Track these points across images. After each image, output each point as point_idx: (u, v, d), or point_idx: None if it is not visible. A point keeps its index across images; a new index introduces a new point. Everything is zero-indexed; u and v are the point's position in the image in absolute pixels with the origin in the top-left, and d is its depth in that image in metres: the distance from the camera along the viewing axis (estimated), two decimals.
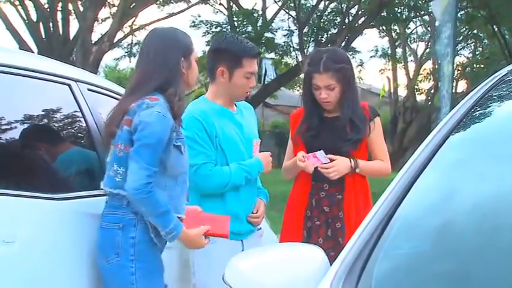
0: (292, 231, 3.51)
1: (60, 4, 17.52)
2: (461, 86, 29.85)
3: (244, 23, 19.99)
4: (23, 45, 16.54)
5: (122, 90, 3.59)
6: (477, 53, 29.50)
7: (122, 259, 2.79)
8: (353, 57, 24.14)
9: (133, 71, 3.00)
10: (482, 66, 27.44)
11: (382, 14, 19.95)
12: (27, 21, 17.63)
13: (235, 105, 3.52)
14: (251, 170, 3.38)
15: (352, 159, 3.41)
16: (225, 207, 3.34)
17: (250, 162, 3.40)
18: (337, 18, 20.98)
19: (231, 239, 3.23)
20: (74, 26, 18.02)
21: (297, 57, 21.64)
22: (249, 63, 3.36)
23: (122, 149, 2.80)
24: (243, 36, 19.36)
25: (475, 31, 25.56)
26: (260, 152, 3.52)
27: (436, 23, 20.39)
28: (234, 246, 3.29)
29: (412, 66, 30.37)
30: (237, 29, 19.85)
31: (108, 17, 19.70)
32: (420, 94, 30.15)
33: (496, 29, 21.56)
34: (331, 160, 3.39)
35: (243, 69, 3.35)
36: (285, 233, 3.56)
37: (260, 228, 3.58)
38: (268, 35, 20.03)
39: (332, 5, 21.22)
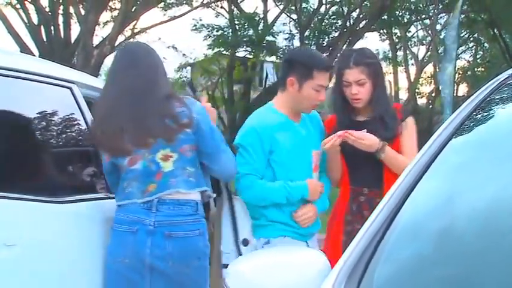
0: (331, 237, 3.51)
1: (61, 7, 17.55)
2: (462, 89, 29.88)
3: (246, 26, 20.02)
4: (24, 49, 16.55)
5: None
6: (478, 56, 29.53)
7: (203, 261, 3.00)
8: None
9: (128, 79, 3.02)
10: (483, 69, 27.47)
11: (383, 18, 19.97)
12: (28, 25, 17.66)
13: (301, 115, 3.53)
14: (294, 192, 3.37)
15: (381, 142, 3.33)
16: (284, 208, 3.41)
17: (296, 185, 3.38)
18: (339, 21, 21.02)
19: (297, 239, 3.37)
20: (75, 29, 18.05)
21: None
22: (320, 76, 3.37)
23: (191, 150, 3.00)
24: (244, 39, 19.44)
25: (475, 35, 25.59)
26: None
27: (437, 27, 20.36)
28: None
29: (413, 70, 30.43)
30: (239, 33, 19.89)
31: (110, 21, 19.73)
32: (421, 97, 30.20)
33: (496, 33, 21.58)
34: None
35: (313, 81, 3.36)
36: (326, 239, 3.56)
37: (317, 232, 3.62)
38: (270, 38, 20.05)
39: (333, 9, 21.27)
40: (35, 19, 17.75)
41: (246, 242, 3.35)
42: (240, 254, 3.29)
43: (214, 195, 3.28)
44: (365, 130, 3.35)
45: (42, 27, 17.53)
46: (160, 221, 2.89)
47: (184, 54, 24.30)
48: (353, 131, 3.32)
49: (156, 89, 2.97)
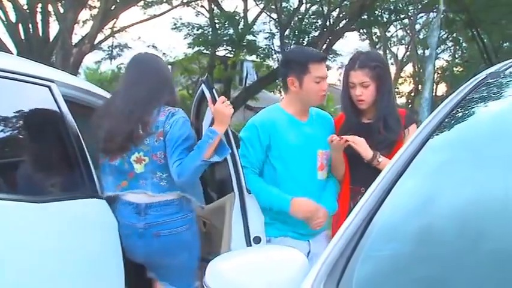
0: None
1: (39, 5, 17.38)
2: (441, 89, 30.11)
3: (226, 25, 20.00)
4: (2, 47, 16.37)
5: (102, 92, 3.58)
6: (457, 56, 29.76)
7: (193, 253, 3.35)
8: (334, 59, 24.22)
9: (129, 86, 3.28)
10: (461, 69, 27.69)
11: (363, 17, 20.04)
12: (6, 23, 17.46)
13: (309, 114, 3.60)
14: (275, 203, 3.43)
15: (376, 152, 3.38)
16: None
17: (281, 197, 3.42)
18: (319, 21, 21.05)
19: (298, 239, 3.43)
20: (54, 28, 17.89)
21: (278, 59, 21.66)
22: (316, 68, 3.46)
23: (163, 157, 3.19)
24: (224, 38, 19.42)
25: (454, 35, 25.78)
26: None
27: (417, 27, 20.45)
28: (301, 247, 3.32)
29: (392, 69, 30.58)
30: (219, 32, 19.86)
31: (89, 19, 19.60)
32: (401, 97, 30.37)
33: (475, 33, 21.75)
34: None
35: (311, 75, 3.45)
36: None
37: (326, 229, 3.63)
38: (250, 37, 20.04)
39: (313, 8, 21.29)
40: (12, 17, 17.57)
41: (257, 240, 3.36)
42: None
43: (203, 205, 3.43)
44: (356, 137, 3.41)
45: (20, 25, 17.35)
46: (149, 223, 3.19)
47: (164, 54, 24.23)
48: (355, 139, 3.38)
49: (156, 99, 3.21)
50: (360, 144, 3.38)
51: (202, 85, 3.47)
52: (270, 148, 3.45)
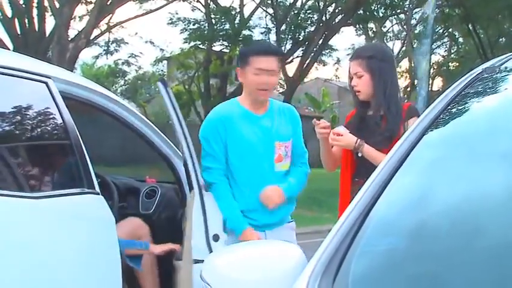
0: None
1: (35, 0, 17.35)
2: (437, 84, 30.14)
3: (222, 20, 19.99)
4: None
5: (99, 88, 3.58)
6: (452, 51, 29.79)
7: None
8: (330, 55, 24.25)
9: None
10: (457, 64, 27.72)
11: (359, 12, 20.06)
12: (1, 18, 17.42)
13: (269, 107, 3.64)
14: (231, 223, 3.50)
15: (358, 140, 3.39)
16: (243, 199, 3.54)
17: (237, 219, 3.50)
18: (315, 16, 21.06)
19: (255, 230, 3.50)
20: (50, 22, 17.87)
21: None
22: (256, 60, 3.51)
23: None
24: (221, 33, 19.41)
25: (450, 30, 25.81)
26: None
27: (412, 22, 20.53)
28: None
29: None
30: (215, 27, 19.85)
31: (86, 14, 19.56)
32: None
33: (471, 28, 21.77)
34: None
35: (250, 67, 3.52)
36: None
37: (292, 221, 3.71)
38: (246, 32, 20.04)
39: (309, 3, 21.31)
40: (8, 12, 17.53)
41: (216, 238, 3.39)
42: (211, 250, 3.31)
43: None
44: (342, 127, 3.46)
45: (16, 20, 17.32)
46: None
47: (162, 49, 24.24)
48: (335, 130, 3.43)
49: None
50: (339, 140, 3.42)
51: (160, 86, 3.47)
52: (227, 145, 3.53)
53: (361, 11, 20.20)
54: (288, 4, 21.59)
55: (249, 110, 3.58)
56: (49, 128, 3.12)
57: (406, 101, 24.71)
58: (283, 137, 3.58)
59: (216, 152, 3.52)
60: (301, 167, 3.72)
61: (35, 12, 17.49)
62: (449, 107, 2.02)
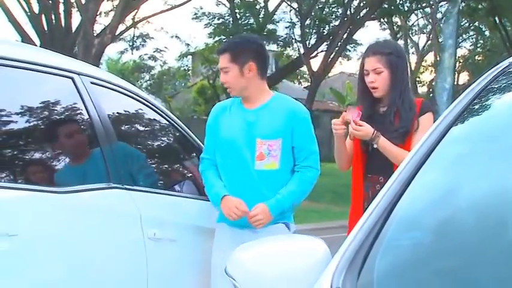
0: (354, 224, 3.50)
1: None
2: (463, 78, 29.90)
3: (247, 15, 20.02)
4: (25, 39, 16.54)
5: (124, 83, 3.60)
6: (478, 45, 29.51)
7: None
8: (354, 49, 24.15)
9: None
10: (483, 58, 27.45)
11: (384, 6, 19.95)
12: (29, 14, 17.62)
13: (265, 102, 3.57)
14: (211, 198, 3.58)
15: (375, 131, 3.38)
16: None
17: (217, 192, 3.51)
18: (339, 10, 20.99)
19: (236, 227, 3.49)
20: (76, 18, 18.03)
21: (298, 49, 21.65)
22: (219, 59, 3.59)
23: None
24: (245, 28, 19.43)
25: (476, 23, 25.55)
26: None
27: (438, 15, 20.36)
28: (241, 234, 3.44)
29: (413, 58, 30.42)
30: (239, 21, 19.87)
31: (112, 10, 19.71)
32: (422, 86, 30.23)
33: (497, 21, 21.54)
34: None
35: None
36: (350, 226, 3.56)
37: (287, 222, 3.56)
38: (271, 27, 20.05)
39: None
40: (35, 8, 17.72)
41: None
42: None
43: None
44: (358, 115, 3.42)
45: (43, 16, 17.50)
46: None
47: (187, 44, 24.35)
48: (355, 121, 3.39)
49: None
50: (360, 130, 3.38)
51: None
52: (216, 136, 3.59)
53: (386, 5, 20.09)
54: None
55: (242, 104, 3.58)
56: (75, 123, 3.15)
57: (431, 95, 24.41)
58: (266, 135, 3.45)
59: (208, 143, 3.62)
60: (302, 172, 3.53)
61: (61, 8, 17.68)
62: (474, 102, 2.01)
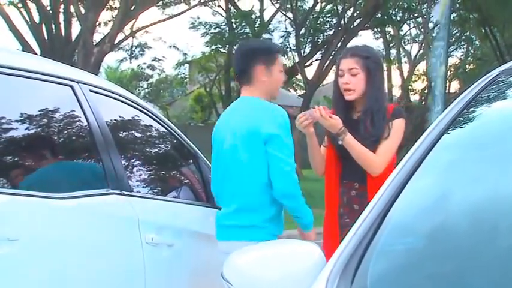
0: (329, 229, 3.51)
1: (62, 6, 17.55)
2: (454, 86, 29.99)
3: (243, 24, 20.04)
4: (26, 47, 16.56)
5: (122, 91, 3.63)
6: (469, 54, 29.60)
7: None
8: None
9: None
10: (474, 67, 27.52)
11: (377, 16, 20.01)
12: (30, 23, 17.64)
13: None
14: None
15: (343, 127, 3.34)
16: None
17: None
18: (333, 19, 21.03)
19: None
20: (75, 28, 18.06)
21: (293, 58, 21.69)
22: (281, 59, 3.71)
23: None
24: (241, 37, 19.47)
25: (467, 33, 25.64)
26: None
27: (430, 25, 20.41)
28: None
29: (406, 67, 30.50)
30: (235, 30, 19.90)
31: (111, 20, 19.74)
32: (414, 94, 30.30)
33: (488, 31, 21.62)
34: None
35: (276, 65, 3.65)
36: (324, 231, 3.56)
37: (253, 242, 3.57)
38: (266, 36, 20.07)
39: (328, 7, 21.27)
40: (36, 17, 17.73)
41: None
42: None
43: None
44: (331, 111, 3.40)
45: (43, 25, 17.51)
46: None
47: (185, 54, 24.37)
48: (323, 109, 3.35)
49: None
50: (327, 119, 3.33)
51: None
52: None
53: (379, 15, 20.14)
54: (307, 8, 21.58)
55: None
56: (74, 130, 3.17)
57: (423, 103, 24.42)
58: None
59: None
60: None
61: (61, 17, 17.71)
62: (466, 110, 2.02)
